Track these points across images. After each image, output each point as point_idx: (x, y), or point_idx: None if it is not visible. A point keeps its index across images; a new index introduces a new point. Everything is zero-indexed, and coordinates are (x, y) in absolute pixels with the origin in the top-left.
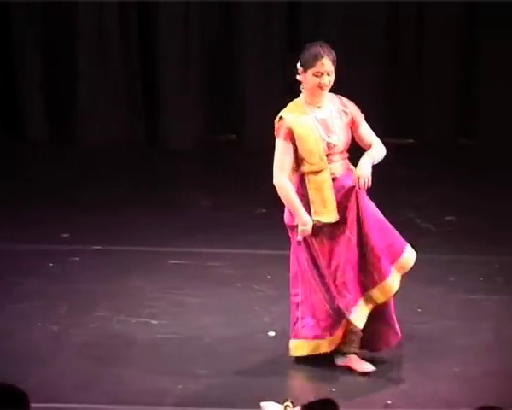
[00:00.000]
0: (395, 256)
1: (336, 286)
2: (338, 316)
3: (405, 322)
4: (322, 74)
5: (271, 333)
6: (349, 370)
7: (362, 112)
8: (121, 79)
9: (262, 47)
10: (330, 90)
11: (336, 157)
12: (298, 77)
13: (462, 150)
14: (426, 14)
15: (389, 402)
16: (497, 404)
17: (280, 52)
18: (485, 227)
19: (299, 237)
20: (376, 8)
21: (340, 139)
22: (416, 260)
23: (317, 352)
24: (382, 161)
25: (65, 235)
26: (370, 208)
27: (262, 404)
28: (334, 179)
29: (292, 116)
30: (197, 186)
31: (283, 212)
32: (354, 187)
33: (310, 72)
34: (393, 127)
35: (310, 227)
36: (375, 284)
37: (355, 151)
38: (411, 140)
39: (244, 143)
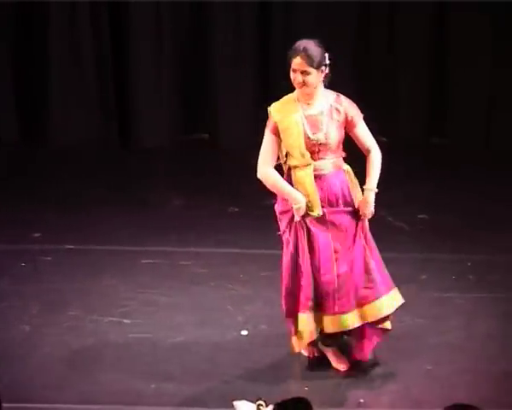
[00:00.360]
0: (363, 301)
1: (305, 284)
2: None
3: None
4: (295, 71)
5: (244, 332)
6: (324, 364)
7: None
8: (93, 79)
9: (233, 47)
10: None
11: (324, 154)
12: None
13: (435, 149)
14: (398, 14)
15: (362, 401)
16: (469, 402)
17: (251, 52)
18: (457, 225)
19: (297, 218)
20: (348, 8)
21: (329, 137)
22: (389, 258)
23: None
24: (355, 159)
25: (37, 234)
26: (372, 243)
27: (235, 403)
28: (321, 177)
29: (278, 110)
30: (170, 185)
31: (257, 210)
32: (358, 212)
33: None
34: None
35: (304, 205)
36: (333, 312)
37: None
38: (384, 139)
39: (217, 142)
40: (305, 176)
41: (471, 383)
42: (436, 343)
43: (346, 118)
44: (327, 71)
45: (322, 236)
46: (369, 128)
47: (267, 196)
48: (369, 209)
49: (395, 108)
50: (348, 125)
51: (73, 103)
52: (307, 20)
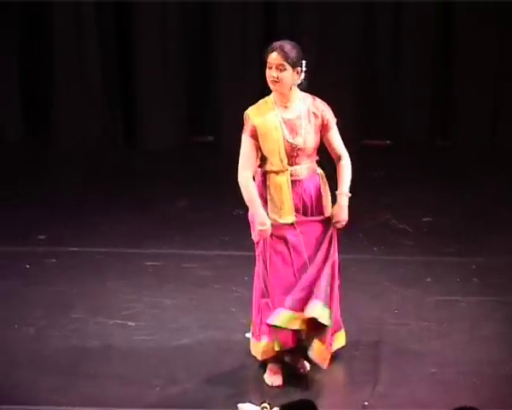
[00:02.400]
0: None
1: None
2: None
3: (382, 323)
4: (270, 67)
5: (248, 334)
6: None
7: (337, 115)
8: (99, 80)
9: (239, 49)
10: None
11: (301, 159)
12: None
13: (439, 151)
14: (402, 13)
15: (366, 403)
16: (472, 405)
17: (256, 54)
18: (461, 228)
19: (256, 238)
20: (353, 8)
21: (307, 142)
22: (393, 261)
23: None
24: (360, 162)
25: (41, 236)
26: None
27: (239, 406)
28: (297, 181)
29: (257, 114)
30: (174, 187)
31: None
32: (329, 220)
33: (266, 65)
34: (370, 129)
35: (268, 228)
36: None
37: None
38: (388, 141)
39: (221, 144)
40: (281, 182)
41: (475, 387)
42: (440, 346)
43: (323, 121)
44: (303, 76)
45: (295, 241)
46: (372, 130)
47: None
48: (343, 214)
49: (399, 110)
50: (323, 129)
51: (79, 104)
52: (312, 21)
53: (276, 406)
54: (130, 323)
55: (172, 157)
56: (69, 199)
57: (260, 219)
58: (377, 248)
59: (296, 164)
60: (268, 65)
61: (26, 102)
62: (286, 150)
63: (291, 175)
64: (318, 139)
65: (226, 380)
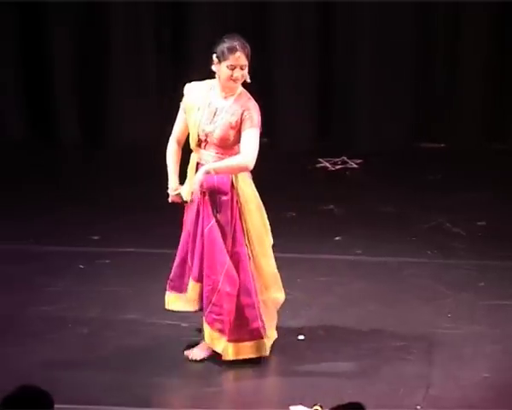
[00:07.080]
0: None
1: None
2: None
3: (435, 327)
4: (234, 68)
5: (301, 337)
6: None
7: (393, 118)
8: (153, 80)
9: (293, 47)
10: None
11: (211, 147)
12: (212, 67)
13: (495, 155)
14: (462, 14)
15: (419, 407)
16: None
17: (311, 53)
18: None
19: (169, 200)
20: (409, 8)
21: (217, 132)
22: (446, 265)
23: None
24: (415, 165)
25: (95, 237)
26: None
27: (291, 408)
28: (200, 166)
29: (191, 90)
30: None
31: (310, 216)
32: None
33: (224, 64)
34: (425, 132)
35: (176, 194)
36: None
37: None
38: (443, 144)
39: (276, 145)
40: (192, 160)
41: None
42: (493, 351)
43: (241, 117)
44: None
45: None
46: (427, 133)
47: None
48: (192, 184)
49: (456, 113)
50: (240, 125)
51: (133, 104)
52: (366, 21)
53: (328, 408)
54: (183, 324)
55: None
56: (123, 199)
57: (170, 185)
58: (431, 252)
59: (204, 149)
60: (230, 66)
61: (82, 102)
62: (197, 133)
63: (199, 158)
64: (231, 136)
65: (274, 380)
